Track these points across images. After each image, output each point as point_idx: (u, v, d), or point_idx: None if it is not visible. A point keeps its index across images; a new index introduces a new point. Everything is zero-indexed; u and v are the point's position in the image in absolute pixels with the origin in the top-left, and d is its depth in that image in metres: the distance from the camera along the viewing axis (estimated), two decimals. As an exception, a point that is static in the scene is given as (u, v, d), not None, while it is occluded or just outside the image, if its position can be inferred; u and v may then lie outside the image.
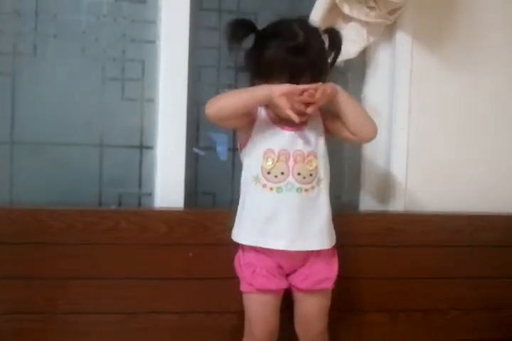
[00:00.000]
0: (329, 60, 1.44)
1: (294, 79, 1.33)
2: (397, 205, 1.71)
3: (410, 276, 1.63)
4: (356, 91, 1.73)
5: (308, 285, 1.41)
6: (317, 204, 1.40)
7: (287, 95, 1.30)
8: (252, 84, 1.41)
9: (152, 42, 1.60)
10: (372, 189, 1.73)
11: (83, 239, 1.45)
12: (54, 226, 1.43)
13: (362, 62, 1.72)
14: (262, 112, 1.42)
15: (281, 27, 1.39)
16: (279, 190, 1.37)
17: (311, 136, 1.42)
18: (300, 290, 1.42)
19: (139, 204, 1.61)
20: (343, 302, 1.55)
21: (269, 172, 1.38)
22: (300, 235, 1.37)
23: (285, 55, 1.34)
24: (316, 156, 1.40)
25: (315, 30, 1.43)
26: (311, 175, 1.39)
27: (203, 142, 1.64)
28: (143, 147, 1.61)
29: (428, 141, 1.74)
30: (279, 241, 1.37)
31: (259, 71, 1.39)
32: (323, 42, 1.42)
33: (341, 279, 1.45)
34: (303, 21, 1.42)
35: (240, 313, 1.44)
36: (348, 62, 1.64)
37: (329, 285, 1.42)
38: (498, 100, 1.79)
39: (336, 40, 1.46)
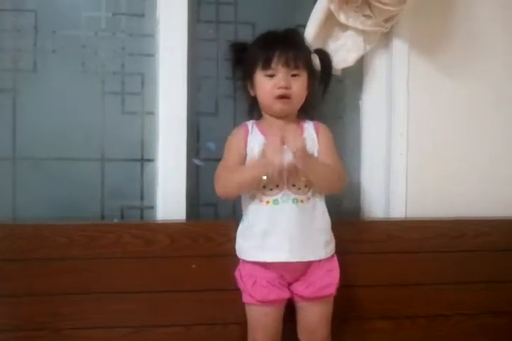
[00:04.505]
0: (321, 79, 1.52)
1: (268, 64, 1.41)
2: (398, 212, 1.71)
3: (413, 283, 1.63)
4: (354, 98, 1.74)
5: (312, 292, 1.42)
6: (314, 215, 1.42)
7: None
8: (246, 90, 1.50)
9: (151, 55, 1.60)
10: (373, 196, 1.74)
11: (86, 253, 1.45)
12: (57, 241, 1.44)
13: (359, 69, 1.72)
14: (254, 128, 1.45)
15: (266, 32, 1.50)
16: (275, 202, 1.39)
17: None
18: (303, 298, 1.43)
19: (141, 217, 1.61)
20: (346, 311, 1.56)
21: (264, 186, 1.39)
22: (300, 246, 1.39)
23: (263, 42, 1.46)
24: None
25: (298, 33, 1.53)
26: (306, 186, 1.40)
27: (204, 153, 1.64)
28: (144, 160, 1.61)
29: (427, 147, 1.74)
30: (280, 253, 1.38)
31: (246, 69, 1.47)
32: (304, 41, 1.51)
33: (344, 287, 1.46)
34: (289, 28, 1.52)
35: (244, 324, 1.45)
36: (345, 70, 1.65)
37: (332, 291, 1.43)
38: (495, 106, 1.79)
39: (325, 60, 1.52)
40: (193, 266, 1.49)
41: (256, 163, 1.37)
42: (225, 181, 1.40)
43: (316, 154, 1.44)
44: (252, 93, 1.49)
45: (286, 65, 1.41)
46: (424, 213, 1.72)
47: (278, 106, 1.43)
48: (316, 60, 1.53)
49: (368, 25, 1.60)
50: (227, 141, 1.47)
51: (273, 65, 1.41)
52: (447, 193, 1.75)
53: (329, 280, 1.43)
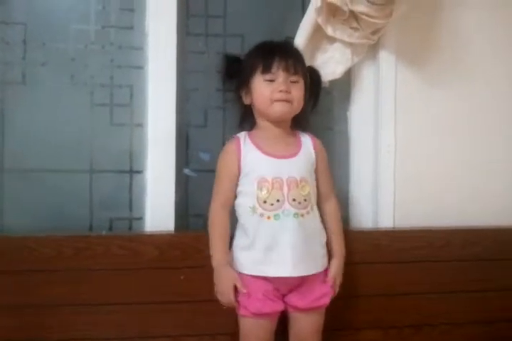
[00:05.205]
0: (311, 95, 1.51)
1: (268, 68, 1.41)
2: (386, 222, 1.72)
3: (401, 292, 1.64)
4: (342, 109, 1.76)
5: (307, 303, 1.42)
6: (314, 228, 1.43)
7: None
8: (240, 101, 1.50)
9: (140, 67, 1.61)
10: (361, 206, 1.75)
11: (74, 265, 1.45)
12: (45, 252, 1.43)
13: (347, 81, 1.74)
14: (247, 141, 1.45)
15: (262, 42, 1.51)
16: (276, 217, 1.38)
17: (303, 163, 1.45)
18: (297, 309, 1.43)
19: (130, 228, 1.61)
20: (336, 321, 1.56)
21: (265, 201, 1.39)
22: (302, 260, 1.39)
23: (261, 49, 1.46)
24: (307, 182, 1.43)
25: (293, 44, 1.54)
26: (305, 200, 1.41)
27: (193, 164, 1.65)
28: (133, 171, 1.62)
29: (414, 157, 1.75)
30: (283, 268, 1.38)
31: (242, 76, 1.46)
32: (300, 52, 1.51)
33: (333, 298, 1.46)
34: (285, 40, 1.54)
35: (233, 335, 1.45)
36: (333, 81, 1.67)
37: (326, 301, 1.44)
38: (483, 116, 1.81)
39: (315, 78, 1.53)
40: (182, 278, 1.49)
41: (219, 268, 1.39)
42: (210, 222, 1.44)
43: (312, 171, 1.45)
44: (247, 101, 1.48)
45: (287, 70, 1.41)
46: (412, 223, 1.73)
47: (277, 107, 1.41)
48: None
49: (355, 37, 1.62)
50: (219, 159, 1.46)
51: (273, 69, 1.41)
52: (435, 203, 1.76)
53: (323, 290, 1.43)
